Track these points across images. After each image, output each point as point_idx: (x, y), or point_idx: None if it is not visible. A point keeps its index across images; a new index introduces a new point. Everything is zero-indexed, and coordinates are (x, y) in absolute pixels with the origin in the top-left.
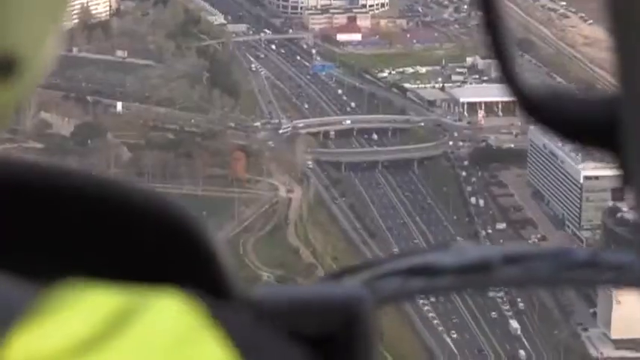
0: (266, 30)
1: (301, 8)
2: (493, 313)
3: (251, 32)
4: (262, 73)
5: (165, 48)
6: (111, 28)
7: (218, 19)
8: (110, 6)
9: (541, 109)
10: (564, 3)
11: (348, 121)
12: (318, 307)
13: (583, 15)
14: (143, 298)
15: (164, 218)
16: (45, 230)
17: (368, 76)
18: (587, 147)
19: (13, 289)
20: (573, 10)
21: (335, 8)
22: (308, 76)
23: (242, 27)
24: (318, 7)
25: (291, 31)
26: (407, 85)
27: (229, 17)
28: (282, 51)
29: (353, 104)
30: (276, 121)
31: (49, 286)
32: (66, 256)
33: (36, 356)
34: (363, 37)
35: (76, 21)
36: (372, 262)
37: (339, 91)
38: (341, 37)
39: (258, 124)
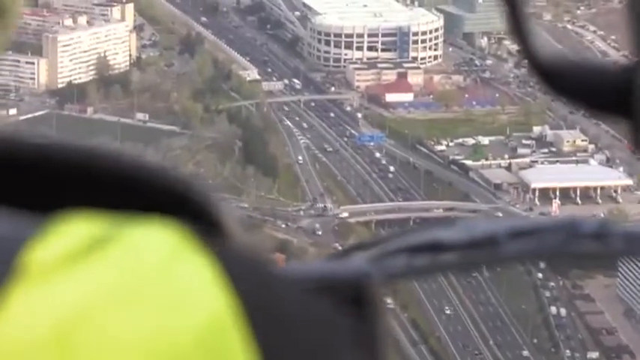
0: (295, 80)
1: (345, 61)
2: None
3: (288, 90)
4: (302, 142)
5: (192, 110)
6: (130, 82)
7: (251, 73)
8: (130, 55)
9: (556, 76)
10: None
11: (405, 210)
12: (324, 284)
13: None
14: (132, 222)
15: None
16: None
17: (423, 149)
18: (602, 114)
19: (18, 219)
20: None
21: (382, 62)
22: (354, 147)
23: (278, 85)
24: (364, 60)
25: (333, 88)
26: (469, 163)
27: (262, 69)
28: (324, 114)
29: (407, 184)
30: (321, 205)
31: (46, 218)
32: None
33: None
34: (414, 96)
35: (93, 74)
36: (378, 239)
37: (391, 168)
38: (390, 97)
39: (300, 210)
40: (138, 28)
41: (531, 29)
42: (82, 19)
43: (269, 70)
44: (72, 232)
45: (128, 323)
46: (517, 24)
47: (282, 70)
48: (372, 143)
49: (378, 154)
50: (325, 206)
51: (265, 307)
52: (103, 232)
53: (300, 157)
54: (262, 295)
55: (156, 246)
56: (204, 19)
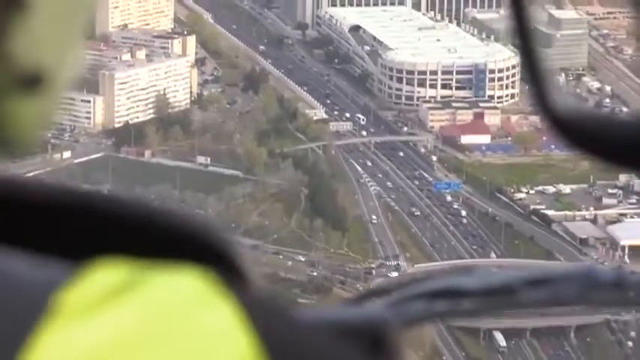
0: (362, 118)
1: (418, 99)
2: None
3: (357, 131)
4: (372, 189)
5: (256, 153)
6: (191, 122)
7: (318, 112)
8: (191, 92)
9: (572, 129)
10: None
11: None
12: (342, 330)
13: None
14: (158, 269)
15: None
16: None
17: (502, 197)
18: (618, 166)
19: (52, 264)
20: None
21: (457, 101)
22: (428, 195)
23: (347, 125)
24: (438, 98)
25: (405, 128)
26: (551, 214)
27: (329, 107)
28: (395, 154)
29: (486, 237)
30: (394, 263)
31: (78, 265)
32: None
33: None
34: (492, 138)
35: (151, 113)
36: (396, 284)
37: (468, 217)
38: (466, 138)
39: (371, 268)
40: (199, 62)
41: (549, 80)
42: (141, 54)
43: (336, 107)
44: (101, 278)
45: None
46: (533, 75)
47: (351, 108)
48: (448, 191)
49: (455, 204)
50: (398, 264)
51: (289, 351)
52: (130, 277)
53: (374, 217)
54: (286, 340)
55: (181, 291)
56: (267, 51)
